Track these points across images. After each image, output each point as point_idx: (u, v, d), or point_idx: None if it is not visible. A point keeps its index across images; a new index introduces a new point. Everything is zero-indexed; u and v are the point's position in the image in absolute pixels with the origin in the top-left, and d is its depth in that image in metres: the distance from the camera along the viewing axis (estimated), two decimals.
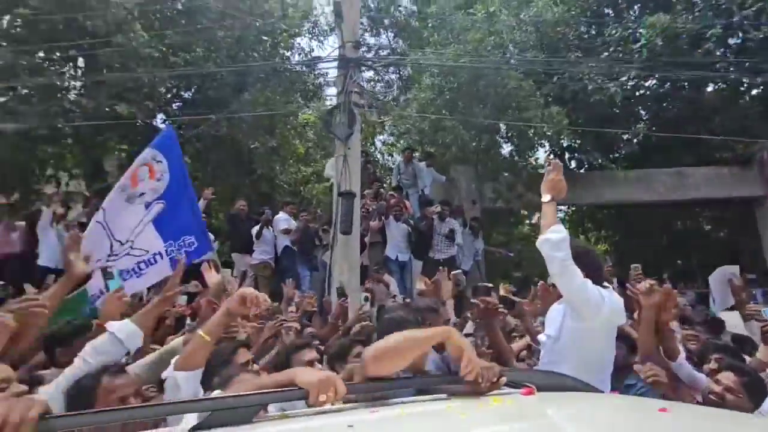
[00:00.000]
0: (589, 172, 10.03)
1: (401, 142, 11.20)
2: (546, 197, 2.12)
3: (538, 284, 3.16)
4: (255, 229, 6.50)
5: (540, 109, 7.89)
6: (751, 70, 7.94)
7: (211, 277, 2.73)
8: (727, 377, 1.91)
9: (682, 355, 2.31)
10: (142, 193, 3.01)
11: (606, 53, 8.74)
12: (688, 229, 11.45)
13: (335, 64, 6.19)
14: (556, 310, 2.08)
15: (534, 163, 9.91)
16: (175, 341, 2.19)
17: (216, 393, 1.53)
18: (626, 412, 1.14)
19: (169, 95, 9.45)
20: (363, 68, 6.36)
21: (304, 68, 10.29)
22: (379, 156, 12.55)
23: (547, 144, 9.82)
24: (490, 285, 3.17)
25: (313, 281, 6.79)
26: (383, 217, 6.76)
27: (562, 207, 12.13)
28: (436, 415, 1.09)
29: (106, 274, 2.52)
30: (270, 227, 6.58)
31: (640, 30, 8.72)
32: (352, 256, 5.43)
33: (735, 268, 4.24)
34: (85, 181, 9.02)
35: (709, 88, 9.37)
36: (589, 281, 1.92)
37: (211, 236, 6.78)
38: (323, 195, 12.14)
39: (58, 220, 6.38)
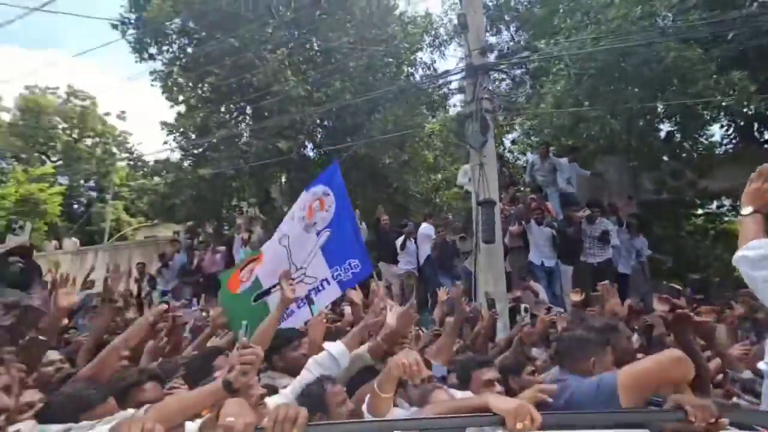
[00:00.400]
0: None
1: (532, 138, 10.60)
2: (747, 209, 1.78)
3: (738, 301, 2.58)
4: (399, 241, 6.96)
5: (711, 77, 6.58)
6: None
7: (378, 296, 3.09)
8: None
9: None
10: (315, 223, 3.44)
11: None
12: None
13: (463, 74, 6.26)
14: None
15: (706, 142, 8.26)
16: (361, 349, 2.52)
17: (413, 411, 1.73)
18: None
19: (313, 127, 10.83)
20: (491, 72, 6.27)
21: (430, 82, 10.60)
22: (508, 155, 12.10)
23: (723, 117, 8.11)
24: (678, 287, 2.75)
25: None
26: (522, 221, 6.51)
27: None
28: None
29: (310, 300, 3.01)
30: (412, 239, 6.96)
31: None
32: (496, 264, 5.39)
33: None
34: (258, 207, 10.95)
35: None
36: None
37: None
38: (454, 200, 12.26)
39: (245, 243, 7.90)
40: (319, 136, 10.80)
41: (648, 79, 6.68)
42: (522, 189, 8.10)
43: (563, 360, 1.86)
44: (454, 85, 10.63)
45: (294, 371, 2.20)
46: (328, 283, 3.30)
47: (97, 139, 18.64)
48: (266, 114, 10.00)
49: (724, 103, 7.03)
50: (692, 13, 6.82)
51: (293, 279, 3.19)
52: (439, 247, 6.73)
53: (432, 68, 11.20)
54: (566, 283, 6.03)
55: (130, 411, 1.62)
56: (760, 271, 1.60)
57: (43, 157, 17.59)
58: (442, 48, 11.17)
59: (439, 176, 13.03)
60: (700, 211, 10.72)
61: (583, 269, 5.98)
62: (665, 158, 7.95)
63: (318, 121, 10.78)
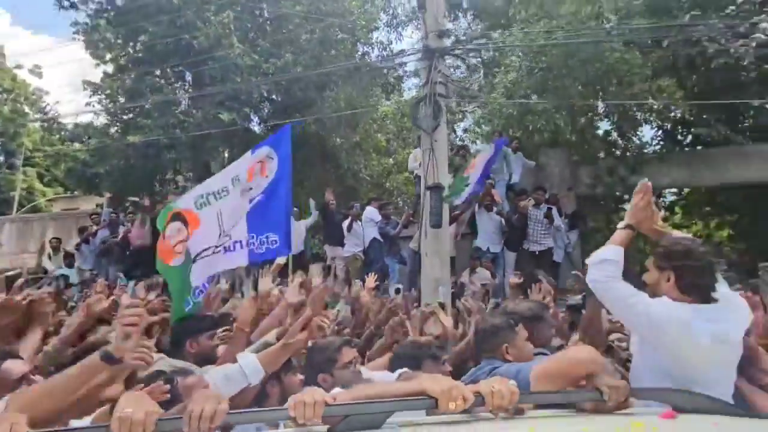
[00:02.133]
0: (709, 148, 8.72)
1: (483, 127, 10.79)
2: (623, 222, 1.90)
3: None
4: (345, 223, 6.78)
5: (646, 81, 7.01)
6: None
7: (264, 283, 2.83)
8: None
9: None
10: (251, 188, 3.06)
11: (732, 7, 7.43)
12: None
13: (419, 56, 6.12)
14: None
15: (638, 142, 8.88)
16: (270, 335, 2.23)
17: (336, 391, 1.61)
18: None
19: (261, 100, 10.20)
20: (447, 56, 6.19)
21: (385, 62, 10.35)
22: (469, 146, 12.25)
23: (654, 120, 8.75)
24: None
25: (401, 274, 6.93)
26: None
27: (674, 189, 10.74)
28: None
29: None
30: (359, 221, 6.82)
31: None
32: (442, 250, 5.40)
33: None
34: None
35: None
36: (640, 302, 1.70)
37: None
38: (405, 186, 12.25)
39: None
40: (266, 109, 10.19)
41: (591, 78, 6.97)
42: None
43: (482, 349, 1.87)
44: (410, 68, 10.49)
45: (205, 362, 1.98)
46: (241, 246, 2.98)
47: (5, 96, 16.27)
48: (208, 82, 9.24)
49: (655, 107, 7.56)
50: (635, 18, 7.20)
51: (218, 246, 2.88)
52: (382, 230, 6.70)
53: (389, 49, 10.95)
54: (510, 270, 6.22)
55: None
56: (595, 273, 1.80)
57: None
58: (400, 29, 10.94)
59: (391, 161, 12.94)
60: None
61: (525, 256, 6.21)
62: (602, 155, 8.44)
63: (265, 93, 10.17)
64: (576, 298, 3.76)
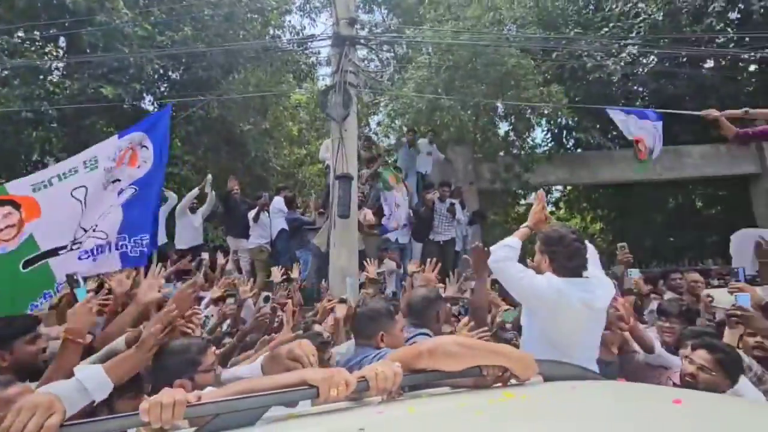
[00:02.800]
0: (586, 151, 9.97)
1: (396, 122, 11.01)
2: (525, 224, 2.29)
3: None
4: (252, 213, 6.39)
5: (539, 87, 7.73)
6: (751, 45, 7.82)
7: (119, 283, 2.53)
8: (700, 355, 1.89)
9: (658, 345, 2.41)
10: (118, 180, 2.83)
11: (606, 29, 8.55)
12: (681, 207, 11.53)
13: (329, 42, 5.97)
14: None
15: (531, 143, 9.81)
16: (116, 342, 1.94)
17: (208, 390, 1.46)
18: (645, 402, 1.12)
19: (156, 76, 9.12)
20: (358, 46, 6.13)
21: (296, 47, 9.94)
22: (373, 137, 12.35)
23: (545, 123, 9.72)
24: None
25: (313, 267, 6.75)
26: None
27: (559, 186, 12.10)
28: (449, 414, 1.05)
29: (72, 281, 2.24)
30: (267, 211, 6.48)
31: (641, 4, 8.53)
32: (350, 240, 5.36)
33: (765, 232, 4.25)
34: None
35: (709, 65, 9.26)
36: (527, 276, 1.98)
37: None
38: (318, 177, 12.00)
39: None
40: (161, 87, 9.15)
41: (492, 80, 7.48)
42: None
43: (359, 335, 1.84)
44: (323, 56, 10.24)
45: (28, 375, 1.65)
46: (110, 249, 2.75)
47: None
48: (87, 51, 7.96)
49: (545, 111, 8.39)
50: (530, 28, 7.89)
51: (80, 242, 2.57)
52: (290, 221, 6.47)
53: (302, 34, 10.56)
54: (416, 259, 6.41)
55: None
56: (492, 256, 2.12)
57: None
58: (313, 15, 10.61)
59: (303, 151, 12.57)
60: (522, 201, 12.79)
61: (431, 246, 6.45)
62: (501, 153, 9.16)
63: (162, 70, 9.12)
64: (470, 284, 4.00)
